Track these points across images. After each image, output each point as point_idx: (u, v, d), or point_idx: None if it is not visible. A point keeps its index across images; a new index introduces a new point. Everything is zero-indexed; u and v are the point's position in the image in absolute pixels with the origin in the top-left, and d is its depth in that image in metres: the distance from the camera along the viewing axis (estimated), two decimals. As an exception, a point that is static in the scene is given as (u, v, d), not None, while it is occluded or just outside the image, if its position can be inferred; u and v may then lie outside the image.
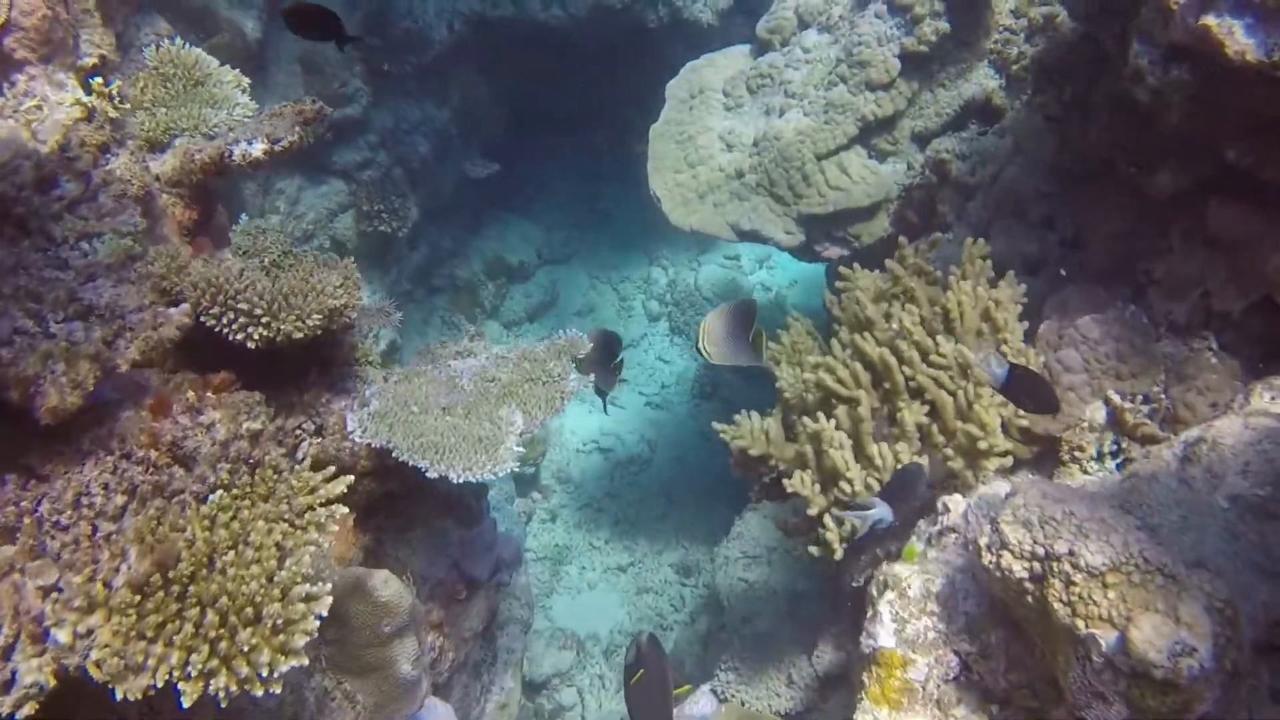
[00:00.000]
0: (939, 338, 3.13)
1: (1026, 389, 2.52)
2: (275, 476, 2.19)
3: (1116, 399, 2.98)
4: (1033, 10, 4.80)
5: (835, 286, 3.61)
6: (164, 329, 2.21)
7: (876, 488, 3.05)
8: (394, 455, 2.81)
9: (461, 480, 2.73)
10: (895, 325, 3.33)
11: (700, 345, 3.11)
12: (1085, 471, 3.06)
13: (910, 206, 4.86)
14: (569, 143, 9.24)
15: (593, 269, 9.56)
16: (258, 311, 2.74)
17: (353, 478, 2.33)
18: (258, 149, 3.08)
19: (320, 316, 2.83)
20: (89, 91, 3.12)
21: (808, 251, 4.98)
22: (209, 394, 2.36)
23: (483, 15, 7.13)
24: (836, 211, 4.80)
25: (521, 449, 2.92)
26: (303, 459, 2.96)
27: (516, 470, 2.89)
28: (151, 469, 2.09)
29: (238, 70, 3.80)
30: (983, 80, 4.90)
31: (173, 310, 2.28)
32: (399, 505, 3.31)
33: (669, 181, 5.16)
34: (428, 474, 2.74)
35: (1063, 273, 3.60)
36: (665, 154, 5.24)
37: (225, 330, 2.73)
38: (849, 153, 4.83)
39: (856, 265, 3.59)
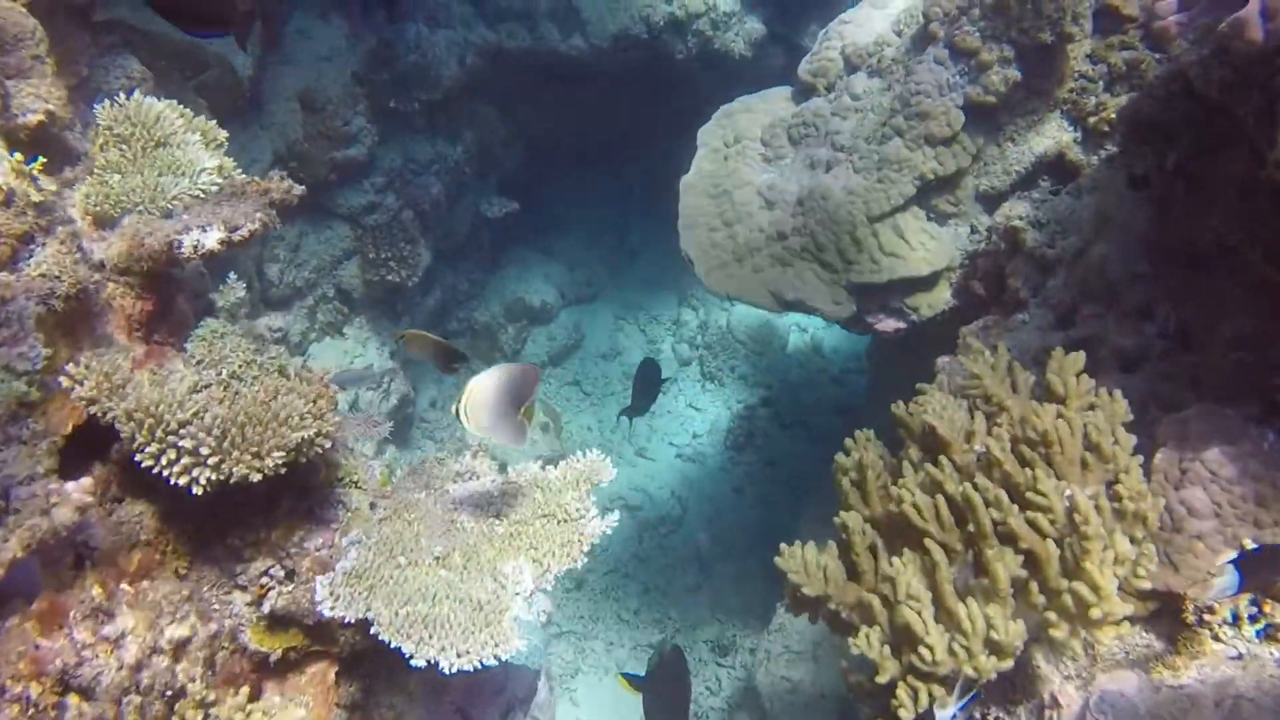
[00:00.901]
0: (1036, 471, 2.58)
1: None
2: (200, 715, 1.68)
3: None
4: (1113, 56, 4.27)
5: (909, 407, 3.07)
6: (58, 512, 1.70)
7: (962, 654, 2.52)
8: (373, 632, 2.30)
9: (455, 670, 2.21)
10: (979, 447, 2.80)
11: (460, 408, 2.61)
12: (1218, 639, 2.51)
13: (975, 276, 4.32)
14: (594, 178, 8.76)
15: (619, 309, 9.07)
16: (204, 450, 2.24)
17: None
18: (212, 239, 2.59)
19: (282, 454, 2.33)
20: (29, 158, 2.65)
21: (859, 323, 4.45)
22: (124, 585, 1.86)
23: (498, 47, 6.64)
24: (891, 281, 4.27)
25: (530, 616, 2.41)
26: (268, 612, 2.47)
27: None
28: (31, 712, 1.59)
29: (213, 122, 3.31)
30: (1056, 133, 4.35)
31: (70, 487, 1.77)
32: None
33: (703, 241, 4.64)
34: (412, 661, 2.23)
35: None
36: (698, 209, 4.72)
37: (165, 473, 2.23)
38: (905, 214, 4.29)
39: (922, 385, 3.05)
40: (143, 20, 4.61)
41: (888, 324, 4.44)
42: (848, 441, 3.23)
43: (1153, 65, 4.21)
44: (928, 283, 4.33)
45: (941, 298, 4.37)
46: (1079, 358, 2.90)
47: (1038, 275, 4.03)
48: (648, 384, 5.53)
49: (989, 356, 3.00)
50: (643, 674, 4.38)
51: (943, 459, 2.78)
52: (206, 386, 2.53)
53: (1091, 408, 2.73)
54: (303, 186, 2.91)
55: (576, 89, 7.43)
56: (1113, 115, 4.22)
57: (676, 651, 4.42)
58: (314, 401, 2.49)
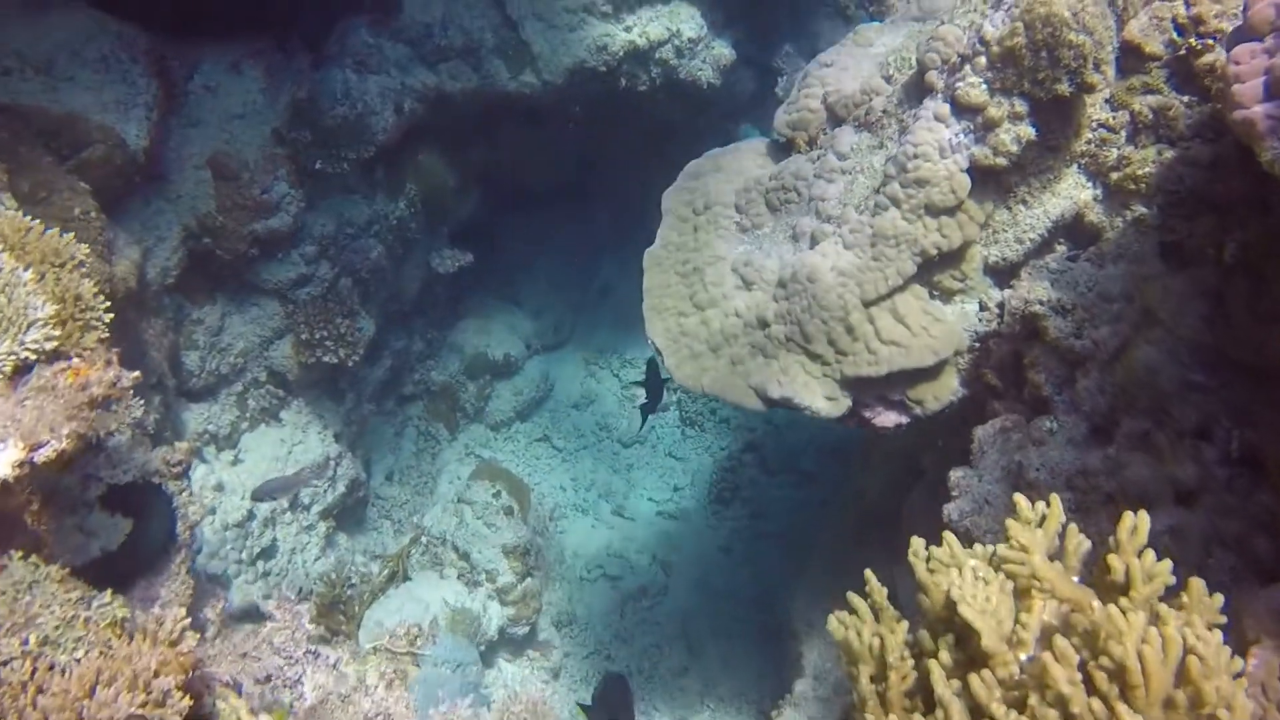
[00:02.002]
0: (1118, 707, 1.98)
1: None
2: None
3: None
4: (1136, 101, 3.68)
5: (922, 573, 2.46)
6: None
7: None
8: None
9: None
10: (1025, 657, 2.20)
11: None
12: None
13: (988, 363, 3.72)
14: (558, 216, 8.12)
15: (590, 354, 8.44)
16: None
17: None
18: (4, 464, 1.93)
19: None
20: None
21: (853, 418, 3.83)
22: None
23: (440, 90, 5.98)
24: (892, 373, 3.65)
25: None
26: None
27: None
28: None
29: (68, 237, 2.66)
30: (1073, 191, 3.75)
31: None
32: None
33: (672, 328, 4.02)
34: None
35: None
36: (665, 289, 4.10)
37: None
38: (905, 295, 3.68)
39: (950, 539, 2.44)
40: (5, 91, 3.96)
41: (887, 418, 3.83)
42: (858, 606, 2.63)
43: (1182, 113, 3.62)
44: (932, 372, 3.72)
45: (949, 387, 3.77)
46: (1143, 525, 2.29)
47: (1063, 369, 3.43)
48: (656, 381, 5.18)
49: (1035, 512, 2.38)
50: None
51: (986, 674, 2.17)
52: (5, 663, 1.89)
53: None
54: (136, 373, 2.24)
55: (532, 126, 6.79)
56: (1139, 172, 3.64)
57: (620, 679, 4.71)
58: (158, 675, 1.85)
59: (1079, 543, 2.41)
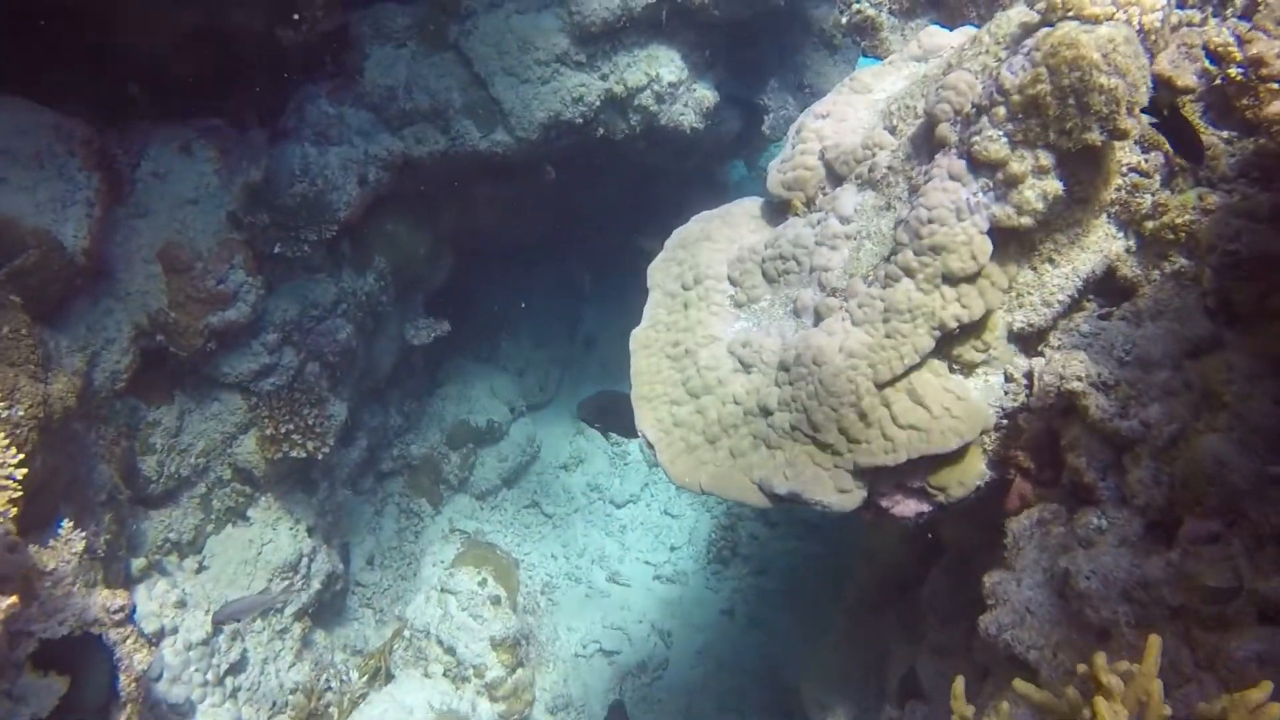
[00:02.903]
0: None
1: None
2: None
3: None
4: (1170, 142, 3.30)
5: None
6: None
7: None
8: None
9: None
10: None
11: None
12: None
13: (1017, 442, 3.32)
14: (537, 271, 7.73)
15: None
16: None
17: None
18: None
19: None
20: None
21: (869, 509, 3.43)
22: None
23: (406, 156, 5.61)
24: (911, 460, 3.25)
25: None
26: None
27: None
28: None
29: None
30: (1102, 243, 3.37)
31: None
32: None
33: (664, 418, 3.61)
34: None
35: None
36: (655, 375, 3.69)
37: None
38: (922, 372, 3.28)
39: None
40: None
41: (907, 508, 3.42)
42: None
43: (1223, 151, 3.25)
44: (956, 455, 3.32)
45: (975, 471, 3.37)
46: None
47: (1108, 453, 3.02)
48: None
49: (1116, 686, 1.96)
50: None
51: None
52: None
53: None
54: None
55: (507, 183, 6.41)
56: (1177, 220, 3.27)
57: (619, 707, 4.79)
58: None
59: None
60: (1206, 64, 3.32)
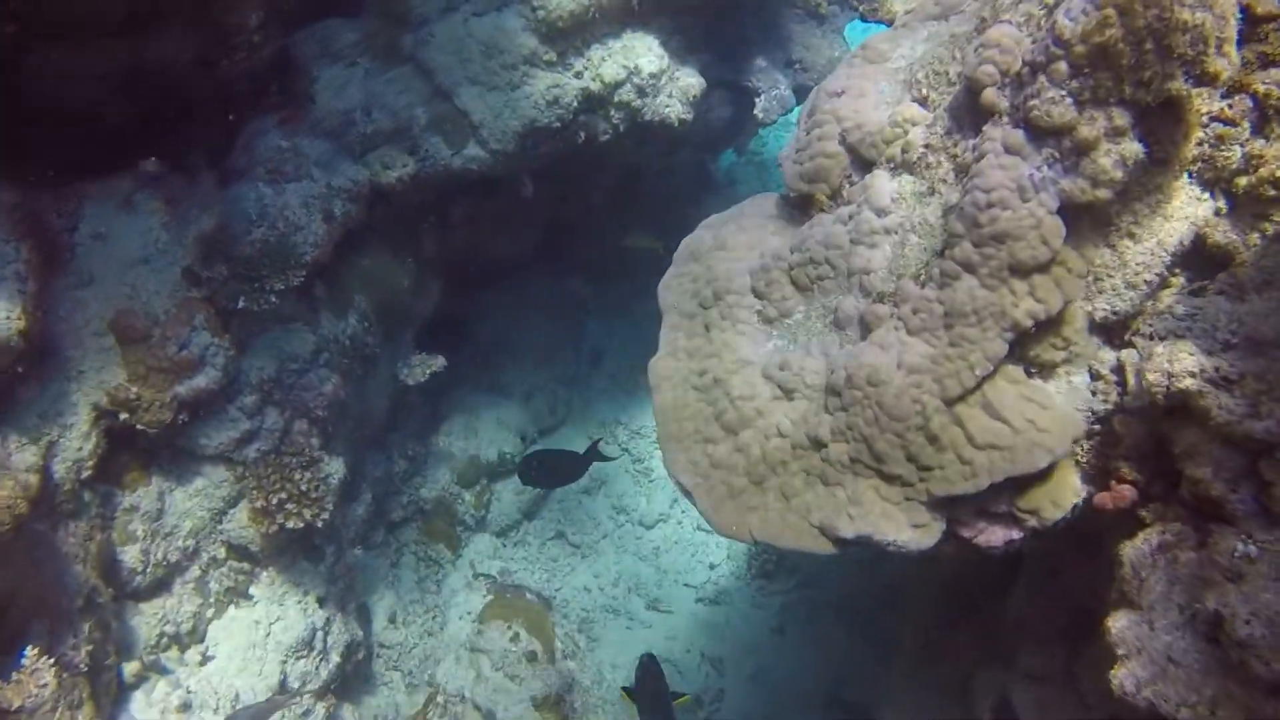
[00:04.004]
0: None
1: None
2: None
3: None
4: (1257, 81, 2.84)
5: None
6: None
7: None
8: None
9: None
10: None
11: None
12: None
13: (1116, 452, 2.85)
14: (532, 287, 7.26)
15: (593, 429, 7.55)
16: None
17: None
18: None
19: None
20: None
21: (950, 540, 2.96)
22: None
23: (373, 184, 5.12)
24: (995, 484, 2.78)
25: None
26: None
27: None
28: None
29: None
30: (1187, 208, 2.90)
31: None
32: None
33: (699, 461, 3.14)
34: None
35: None
36: (683, 411, 3.22)
37: None
38: (997, 381, 2.81)
39: None
40: None
41: (994, 535, 2.96)
42: None
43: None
44: (1046, 472, 2.85)
45: (1069, 488, 2.90)
46: None
47: (1239, 461, 2.54)
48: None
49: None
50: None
51: None
52: None
53: None
54: None
55: (488, 198, 5.93)
56: (1277, 173, 2.78)
57: (651, 660, 4.74)
58: None
59: None
60: (1282, -17, 2.85)
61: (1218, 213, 2.91)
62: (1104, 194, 2.63)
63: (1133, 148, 2.60)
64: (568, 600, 6.71)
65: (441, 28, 5.27)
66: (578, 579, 6.90)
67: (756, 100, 6.11)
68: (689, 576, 6.96)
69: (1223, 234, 2.88)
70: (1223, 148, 2.87)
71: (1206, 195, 2.92)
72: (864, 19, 4.56)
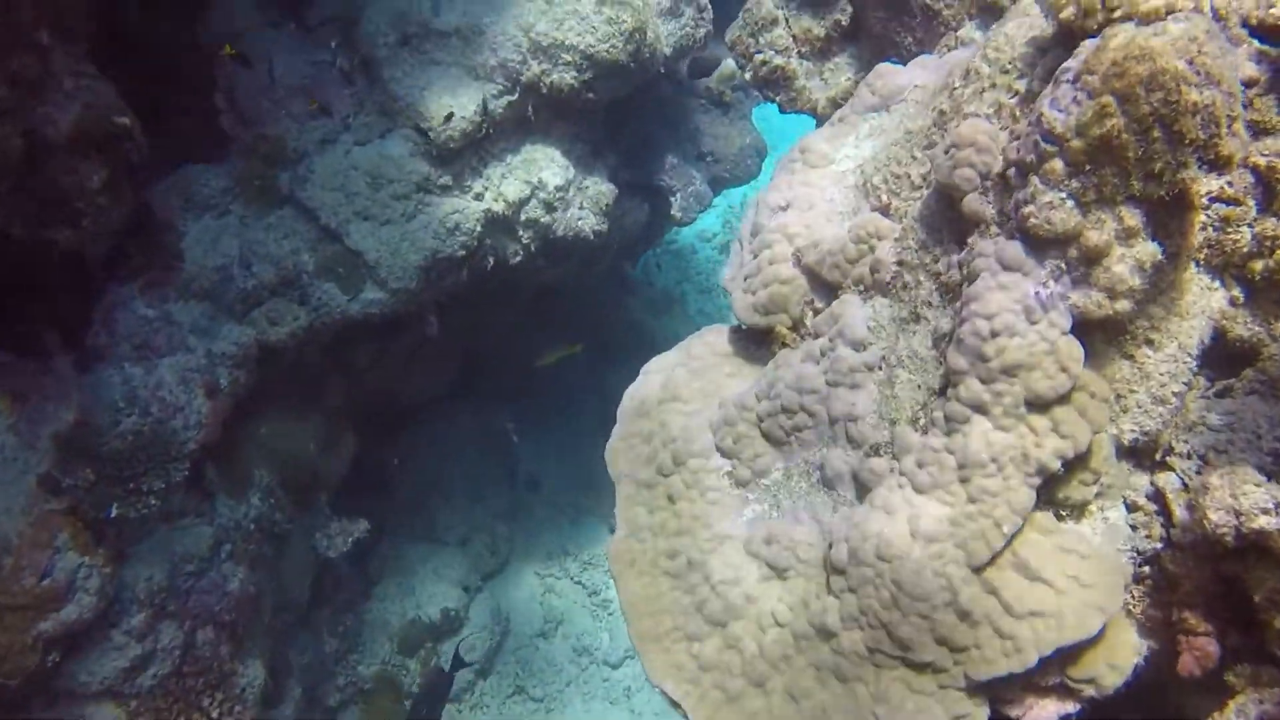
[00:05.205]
0: None
1: None
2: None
3: None
4: (1253, 152, 2.50)
5: None
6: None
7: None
8: None
9: None
10: None
11: None
12: None
13: (1176, 599, 2.40)
14: (455, 421, 6.67)
15: (540, 565, 6.94)
16: None
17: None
18: None
19: None
20: None
21: (997, 721, 2.46)
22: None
23: (262, 344, 4.55)
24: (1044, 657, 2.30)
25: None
26: None
27: None
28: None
29: None
30: (1200, 301, 2.52)
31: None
32: None
33: (684, 663, 2.61)
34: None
35: None
36: (657, 603, 2.69)
37: None
38: (1027, 534, 2.35)
39: None
40: None
41: (1045, 711, 2.46)
42: None
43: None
44: (1097, 634, 2.38)
45: (1128, 647, 2.44)
46: None
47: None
48: None
49: None
50: None
51: None
52: None
53: None
54: None
55: (394, 338, 5.38)
56: (1301, 251, 2.41)
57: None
58: None
59: None
60: (1256, 44, 2.55)
61: (1233, 302, 2.54)
62: (1124, 306, 2.22)
63: (1149, 249, 2.20)
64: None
65: (322, 162, 4.77)
66: (544, 736, 6.23)
67: (672, 199, 5.73)
68: (667, 717, 6.32)
69: (1244, 326, 2.50)
70: (1229, 230, 2.50)
71: (1216, 283, 2.54)
72: (782, 110, 4.20)
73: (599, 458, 2.99)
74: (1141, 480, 2.50)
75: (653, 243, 6.81)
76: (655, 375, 3.04)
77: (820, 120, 4.12)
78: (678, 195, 5.75)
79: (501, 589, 6.73)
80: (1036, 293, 2.24)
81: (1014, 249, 2.24)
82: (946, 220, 2.45)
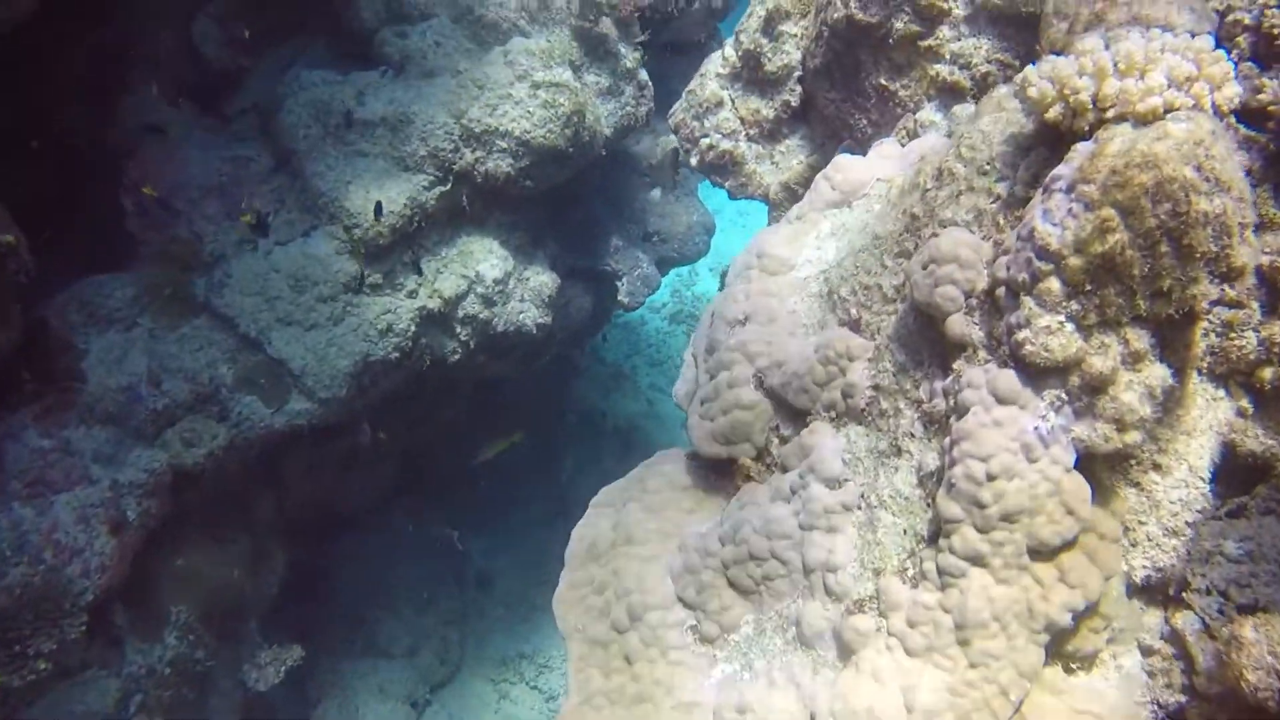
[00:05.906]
0: None
1: None
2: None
3: None
4: (1261, 253, 2.28)
5: None
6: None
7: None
8: None
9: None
10: None
11: None
12: None
13: (1212, 755, 2.10)
14: (395, 522, 6.26)
15: (493, 670, 6.49)
16: None
17: None
18: None
19: None
20: None
21: None
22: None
23: (176, 468, 4.12)
24: (1069, 840, 1.99)
25: None
26: None
27: None
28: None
29: None
30: (1207, 415, 2.26)
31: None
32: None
33: None
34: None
35: None
36: (616, 785, 2.32)
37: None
38: (1035, 696, 2.04)
39: None
40: None
41: None
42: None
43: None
44: (1125, 800, 2.07)
45: (1158, 815, 2.12)
46: None
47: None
48: None
49: None
50: None
51: None
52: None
53: None
54: None
55: (326, 445, 4.99)
56: (1309, 359, 2.18)
57: None
58: None
59: None
60: (1243, 130, 2.35)
61: (1241, 413, 2.30)
62: (1134, 437, 1.95)
63: (1158, 373, 1.94)
64: None
65: (239, 266, 4.41)
66: None
67: (619, 284, 5.46)
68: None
69: (1255, 440, 2.26)
70: (1233, 335, 2.28)
71: (1222, 393, 2.31)
72: (731, 196, 3.96)
73: (551, 549, 2.69)
74: (1154, 619, 2.23)
75: (600, 329, 6.51)
76: (605, 512, 2.72)
77: (773, 205, 3.88)
78: (624, 280, 5.48)
79: (454, 700, 6.27)
80: (1035, 428, 1.97)
81: (1008, 379, 1.97)
82: (927, 341, 2.19)
